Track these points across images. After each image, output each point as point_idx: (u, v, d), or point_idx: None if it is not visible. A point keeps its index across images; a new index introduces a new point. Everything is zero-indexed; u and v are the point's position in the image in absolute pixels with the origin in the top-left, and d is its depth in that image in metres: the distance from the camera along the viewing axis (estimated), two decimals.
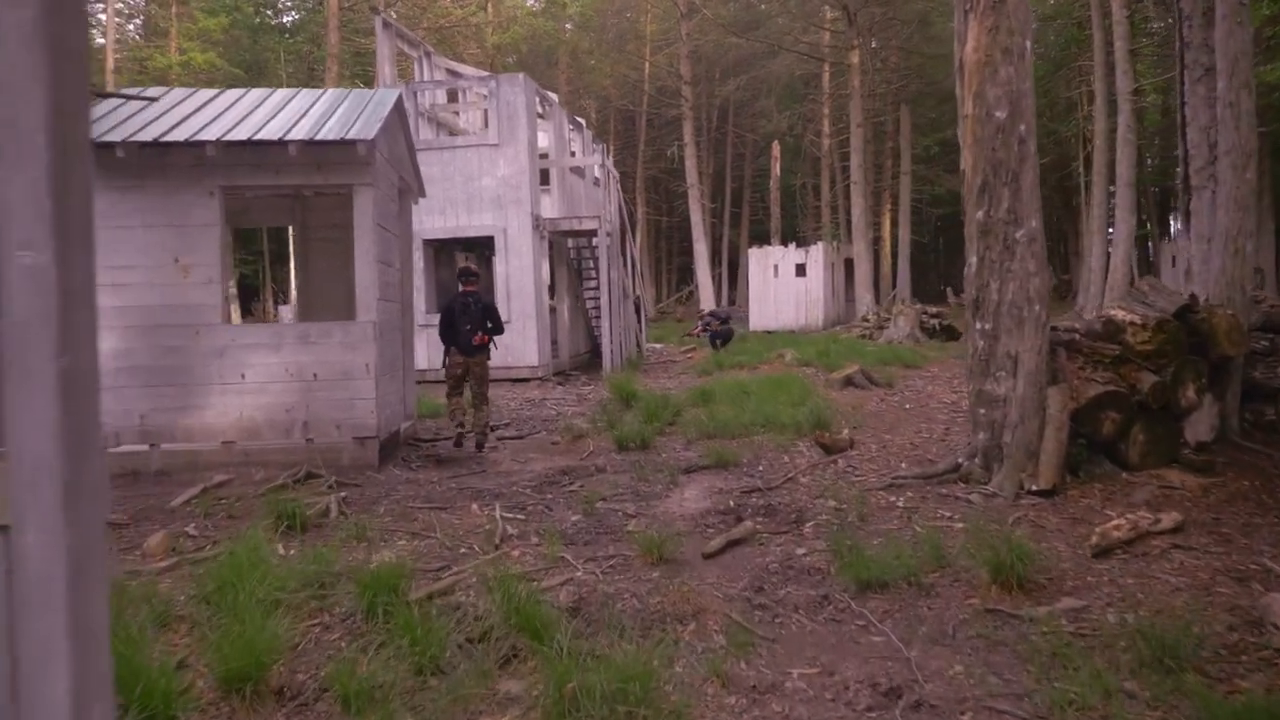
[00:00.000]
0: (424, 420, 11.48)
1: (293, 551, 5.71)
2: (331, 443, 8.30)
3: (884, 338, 21.11)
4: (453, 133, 18.48)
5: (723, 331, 20.23)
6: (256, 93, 9.19)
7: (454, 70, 19.30)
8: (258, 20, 39.67)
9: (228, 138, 7.76)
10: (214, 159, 7.88)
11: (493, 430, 10.52)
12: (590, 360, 20.26)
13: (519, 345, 16.28)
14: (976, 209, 6.60)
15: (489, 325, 9.26)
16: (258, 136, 7.82)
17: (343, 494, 7.07)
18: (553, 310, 18.15)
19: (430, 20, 31.81)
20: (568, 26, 43.49)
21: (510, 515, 6.54)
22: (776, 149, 37.30)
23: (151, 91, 9.14)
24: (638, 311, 20.98)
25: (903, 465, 7.49)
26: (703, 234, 33.85)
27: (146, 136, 7.69)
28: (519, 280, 16.32)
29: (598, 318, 19.27)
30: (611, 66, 41.09)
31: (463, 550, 5.76)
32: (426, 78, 18.34)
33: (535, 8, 42.06)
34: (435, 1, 33.67)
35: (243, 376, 8.18)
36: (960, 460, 6.82)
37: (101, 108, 8.48)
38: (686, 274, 51.33)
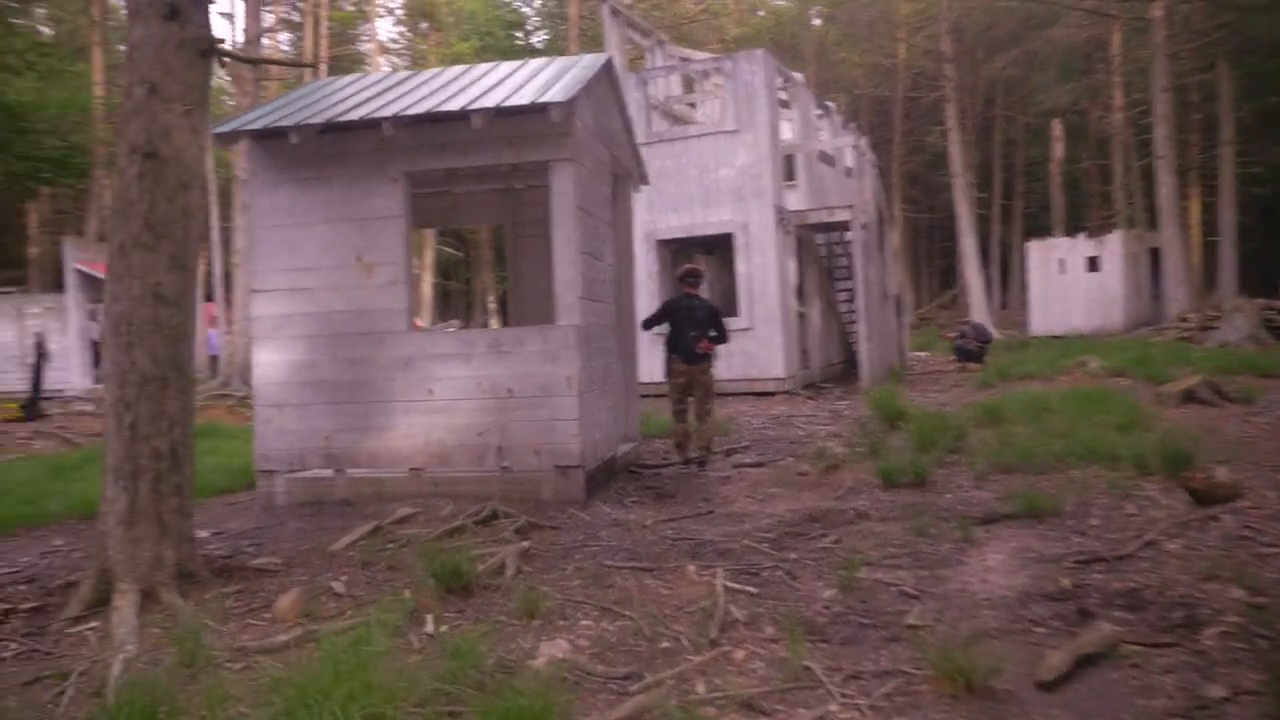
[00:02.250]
0: (650, 441, 9.97)
1: (444, 629, 4.26)
2: (530, 472, 6.92)
3: (1213, 340, 17.17)
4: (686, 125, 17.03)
5: (975, 350, 17.17)
6: (451, 70, 8.09)
7: (686, 56, 17.87)
8: (509, 43, 40.86)
9: (406, 113, 6.59)
10: (393, 140, 6.75)
11: (728, 455, 8.85)
12: (845, 371, 18.00)
13: (764, 354, 14.46)
14: None
15: (713, 334, 8.20)
16: (439, 109, 6.59)
17: (526, 543, 5.57)
18: (801, 315, 16.14)
19: (669, 18, 30.85)
20: (816, 22, 41.14)
21: (737, 586, 4.73)
22: (1058, 128, 32.83)
23: (348, 78, 8.30)
24: (898, 314, 18.44)
25: None
26: (969, 228, 30.23)
27: (319, 120, 6.68)
28: (762, 281, 14.51)
29: (852, 322, 17.01)
30: (861, 56, 38.29)
31: (665, 643, 4.02)
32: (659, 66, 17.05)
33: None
34: (676, 1, 32.70)
35: (430, 392, 6.99)
36: None
37: (284, 97, 7.68)
38: (949, 277, 47.06)
